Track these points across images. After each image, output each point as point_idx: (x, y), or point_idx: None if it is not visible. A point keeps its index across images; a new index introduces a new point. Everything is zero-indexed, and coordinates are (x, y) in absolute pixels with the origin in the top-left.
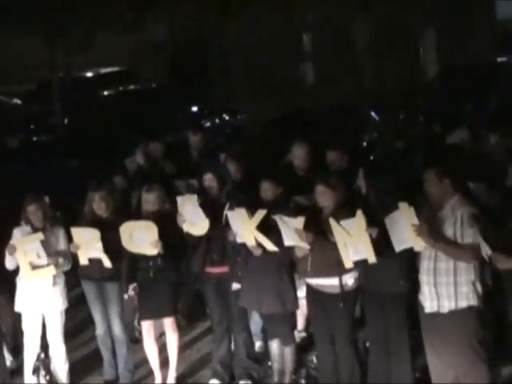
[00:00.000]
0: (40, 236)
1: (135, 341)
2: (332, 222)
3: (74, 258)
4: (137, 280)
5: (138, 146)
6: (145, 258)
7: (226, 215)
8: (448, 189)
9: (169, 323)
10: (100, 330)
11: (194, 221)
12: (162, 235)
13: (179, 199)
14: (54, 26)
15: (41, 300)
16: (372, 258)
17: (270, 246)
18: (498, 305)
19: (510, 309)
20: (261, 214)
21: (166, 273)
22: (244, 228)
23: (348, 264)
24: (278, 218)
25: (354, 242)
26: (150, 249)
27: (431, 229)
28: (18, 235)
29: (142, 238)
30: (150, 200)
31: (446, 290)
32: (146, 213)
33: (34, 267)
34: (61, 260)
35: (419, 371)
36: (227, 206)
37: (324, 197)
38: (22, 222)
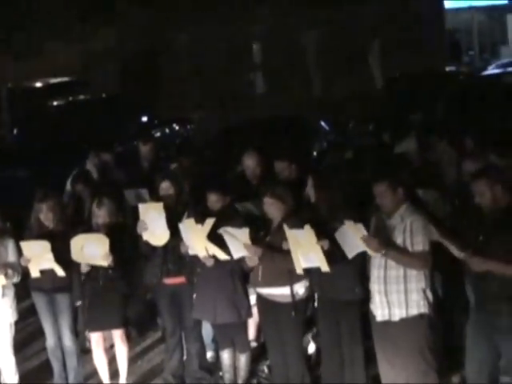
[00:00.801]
0: None
1: (86, 351)
2: (286, 228)
3: (24, 270)
4: (86, 289)
5: (88, 156)
6: (95, 267)
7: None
8: (400, 198)
9: (118, 334)
10: (50, 341)
11: (155, 230)
12: (113, 247)
13: (142, 207)
14: (4, 34)
15: None
16: (325, 267)
17: (222, 255)
18: (449, 312)
19: (459, 316)
20: (209, 222)
21: (116, 283)
22: (195, 239)
23: (299, 270)
24: (223, 231)
25: (305, 251)
26: (101, 261)
27: (381, 238)
28: None
29: (92, 251)
30: (100, 215)
31: (396, 297)
32: (97, 226)
33: None
34: (10, 272)
35: (371, 380)
36: (185, 215)
37: (272, 208)
38: None
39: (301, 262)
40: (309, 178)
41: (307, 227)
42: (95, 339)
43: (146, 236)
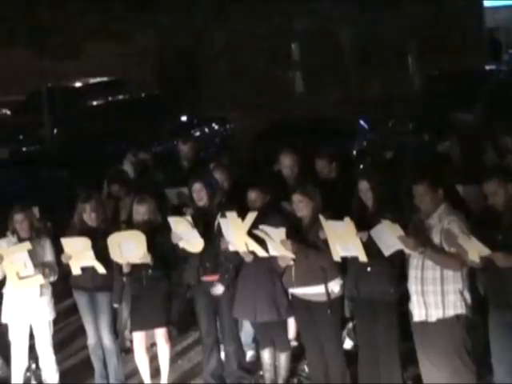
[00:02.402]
0: (28, 245)
1: (127, 351)
2: (322, 219)
3: (64, 269)
4: (129, 290)
5: (126, 155)
6: (137, 267)
7: (218, 224)
8: (439, 198)
9: (161, 334)
10: (91, 340)
11: (188, 239)
12: (153, 246)
13: (171, 220)
14: (42, 35)
15: (28, 311)
16: (363, 257)
17: (261, 252)
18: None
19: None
20: (251, 217)
21: (159, 282)
22: (235, 234)
23: (336, 258)
24: (260, 229)
25: (343, 241)
26: (139, 259)
27: (418, 237)
28: (4, 246)
29: (130, 249)
30: (141, 211)
31: (433, 298)
32: (137, 223)
33: (21, 278)
34: (47, 271)
35: (412, 380)
36: (219, 215)
37: (301, 205)
38: (8, 232)
39: (338, 251)
40: (361, 182)
41: (347, 219)
42: (138, 339)
43: (182, 244)
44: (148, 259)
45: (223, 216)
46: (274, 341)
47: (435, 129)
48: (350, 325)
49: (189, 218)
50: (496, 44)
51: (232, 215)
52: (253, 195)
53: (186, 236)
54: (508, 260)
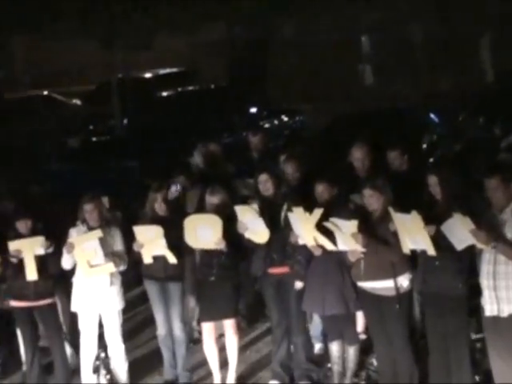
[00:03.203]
0: (98, 233)
1: (195, 341)
2: (392, 211)
3: (135, 258)
4: (198, 277)
5: (196, 147)
6: (209, 255)
7: (285, 216)
8: (511, 193)
9: (230, 325)
10: (161, 330)
11: (254, 229)
12: (225, 234)
13: (238, 209)
14: (113, 26)
15: (98, 300)
16: (432, 251)
17: (330, 246)
18: None
19: None
20: (317, 213)
21: (229, 272)
22: (303, 228)
23: (406, 250)
24: (330, 222)
25: (411, 234)
26: (213, 245)
27: (490, 232)
28: (74, 235)
29: (205, 234)
30: (213, 202)
31: (505, 293)
32: (210, 213)
33: (91, 266)
34: (117, 260)
35: (482, 375)
36: (285, 207)
37: (371, 200)
38: (78, 221)
39: (408, 243)
40: (430, 176)
41: (414, 212)
42: (207, 329)
43: (247, 235)
44: (222, 245)
45: (290, 210)
46: (342, 334)
47: (507, 123)
48: None
49: (255, 206)
50: None
51: (299, 210)
52: (320, 188)
53: (252, 226)
54: None
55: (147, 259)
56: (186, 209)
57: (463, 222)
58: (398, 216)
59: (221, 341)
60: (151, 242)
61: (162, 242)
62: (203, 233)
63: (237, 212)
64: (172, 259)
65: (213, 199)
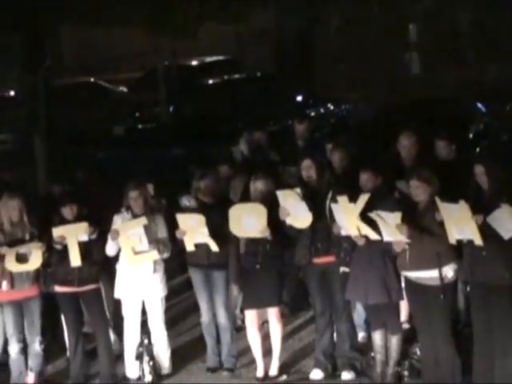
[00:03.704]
0: (143, 221)
1: (238, 329)
2: (438, 201)
3: (179, 246)
4: (243, 265)
5: (242, 134)
6: (253, 243)
7: (330, 205)
8: None
9: (273, 313)
10: (205, 317)
11: (296, 214)
12: (270, 222)
13: (280, 193)
14: (159, 13)
15: (141, 287)
16: (478, 241)
17: (373, 235)
18: None
19: None
20: (363, 198)
21: (274, 260)
22: (347, 218)
23: (452, 240)
24: (374, 214)
25: (458, 224)
26: (258, 233)
27: None
28: (119, 222)
29: (250, 223)
30: (258, 188)
31: None
32: (255, 200)
33: (136, 253)
34: (161, 247)
35: None
36: (330, 195)
37: (418, 191)
38: (123, 208)
39: (454, 233)
40: (477, 166)
41: (462, 202)
42: (250, 317)
43: (289, 220)
44: (267, 233)
45: (334, 200)
46: (385, 323)
47: None
48: None
49: (298, 190)
50: None
51: (343, 199)
52: (364, 177)
53: (294, 210)
54: None
55: (190, 246)
56: (230, 197)
57: (511, 212)
58: (444, 206)
59: (264, 329)
60: (193, 230)
61: (205, 230)
62: (248, 221)
63: (278, 197)
64: (214, 247)
65: (257, 186)
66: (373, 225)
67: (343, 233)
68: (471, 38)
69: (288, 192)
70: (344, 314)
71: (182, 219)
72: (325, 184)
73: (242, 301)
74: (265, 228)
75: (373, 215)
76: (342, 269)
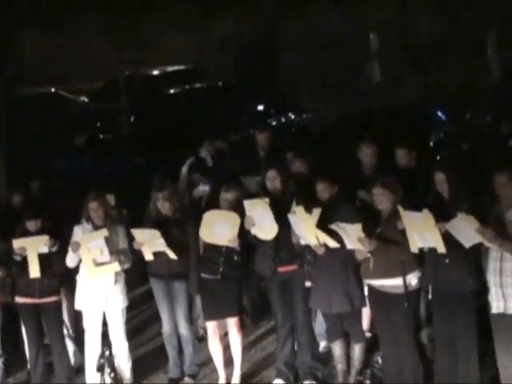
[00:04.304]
0: (104, 232)
1: (200, 339)
2: (401, 209)
3: (140, 257)
4: (203, 275)
5: (203, 143)
6: (214, 251)
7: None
8: None
9: (233, 323)
10: (166, 328)
11: (262, 225)
12: (239, 234)
13: (247, 203)
14: (121, 24)
15: (102, 298)
16: (442, 249)
17: (332, 243)
18: None
19: None
20: (316, 212)
21: (234, 270)
22: (305, 227)
23: (414, 249)
24: (335, 225)
25: (421, 231)
26: (227, 242)
27: (497, 229)
28: (79, 233)
29: (221, 230)
30: (228, 199)
31: None
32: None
33: (97, 264)
34: (122, 258)
35: (489, 379)
36: (293, 205)
37: (381, 198)
38: (83, 219)
39: (416, 242)
40: (437, 174)
41: (426, 210)
42: (211, 328)
43: (254, 231)
44: (236, 244)
45: (297, 205)
46: (347, 332)
47: None
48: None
49: (267, 200)
50: None
51: (299, 209)
52: (321, 187)
53: (260, 221)
54: None
55: (148, 256)
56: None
57: (468, 220)
58: (407, 214)
59: (226, 339)
60: (150, 241)
61: (161, 241)
62: (219, 229)
63: (245, 206)
64: (172, 255)
65: (228, 196)
66: (332, 233)
67: (302, 242)
68: (432, 48)
69: (256, 201)
70: (305, 324)
71: (138, 233)
72: (289, 194)
73: (203, 312)
74: (235, 238)
75: (333, 227)
76: (308, 284)
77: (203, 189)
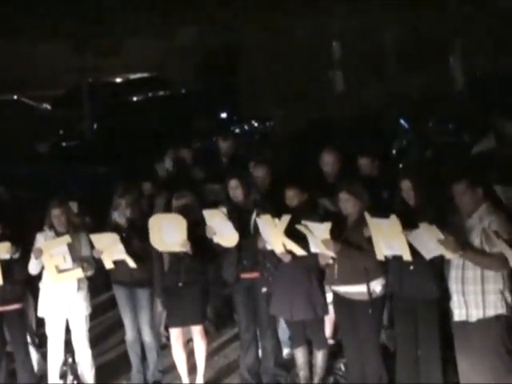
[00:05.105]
0: (67, 239)
1: (162, 346)
2: (367, 216)
3: (101, 264)
4: (166, 284)
5: (167, 151)
6: (177, 260)
7: (255, 221)
8: (479, 197)
9: (197, 330)
10: (130, 335)
11: (223, 233)
12: (192, 238)
13: (206, 213)
14: (83, 31)
15: (65, 305)
16: (407, 256)
17: (299, 251)
18: None
19: None
20: (285, 219)
21: (197, 277)
22: (272, 234)
23: (380, 256)
24: (303, 225)
25: (387, 239)
26: (179, 247)
27: (458, 239)
28: (42, 240)
29: (170, 236)
30: (179, 205)
31: (473, 298)
32: None
33: (60, 271)
34: (85, 265)
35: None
36: (255, 213)
37: (347, 204)
38: (46, 226)
39: (382, 249)
40: (403, 181)
41: (393, 217)
42: (175, 335)
43: (216, 239)
44: (188, 247)
45: (258, 215)
46: (310, 339)
47: (475, 129)
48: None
49: (224, 210)
50: None
51: (266, 217)
52: (290, 193)
53: (221, 229)
54: None
55: (108, 264)
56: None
57: (430, 231)
58: (374, 221)
59: (189, 346)
60: (110, 248)
61: (120, 247)
62: (168, 234)
63: (205, 216)
64: (131, 263)
65: (178, 203)
66: (299, 241)
67: (268, 247)
68: (395, 56)
69: (214, 212)
70: (269, 331)
71: (96, 239)
72: (251, 203)
73: (167, 319)
74: (185, 241)
75: (301, 227)
76: (264, 289)
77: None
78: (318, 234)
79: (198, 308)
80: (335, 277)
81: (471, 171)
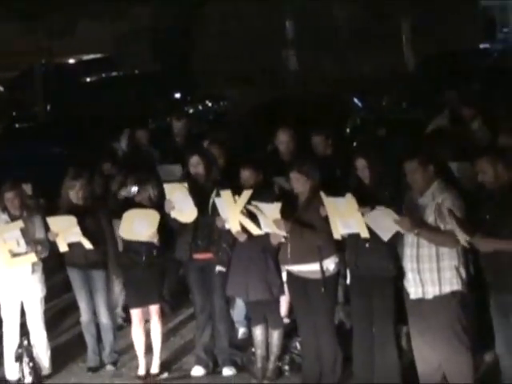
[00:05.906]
0: (20, 224)
1: (118, 327)
2: (323, 195)
3: (56, 245)
4: (126, 263)
5: (122, 132)
6: (138, 242)
7: (213, 202)
8: (431, 175)
9: (155, 310)
10: (85, 317)
11: (182, 209)
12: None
13: (167, 186)
14: (35, 11)
15: (19, 288)
16: (365, 233)
17: (255, 230)
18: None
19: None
20: (246, 194)
21: (156, 258)
22: (229, 212)
23: (336, 236)
24: (253, 205)
25: (344, 217)
26: (146, 238)
27: (413, 217)
28: None
29: (141, 227)
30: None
31: (429, 275)
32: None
33: (14, 255)
34: (39, 248)
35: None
36: (214, 192)
37: (298, 183)
38: None
39: (339, 228)
40: (358, 160)
41: (348, 195)
42: (137, 315)
43: (173, 214)
44: (155, 239)
45: (218, 195)
46: (266, 318)
47: (428, 106)
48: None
49: (185, 184)
50: (491, 23)
51: (226, 193)
52: (246, 173)
53: (180, 204)
54: (488, 244)
55: (63, 247)
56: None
57: (386, 212)
58: (330, 200)
59: (146, 327)
60: (65, 231)
61: (77, 230)
62: (138, 226)
63: (165, 190)
64: (87, 245)
65: (143, 195)
66: (255, 221)
67: (227, 226)
68: (348, 35)
69: (175, 185)
70: (222, 312)
71: (53, 221)
72: (211, 181)
73: (127, 300)
74: (154, 234)
75: (251, 207)
76: (219, 268)
77: (133, 190)
78: (269, 214)
79: (155, 288)
80: (288, 256)
81: (422, 149)
